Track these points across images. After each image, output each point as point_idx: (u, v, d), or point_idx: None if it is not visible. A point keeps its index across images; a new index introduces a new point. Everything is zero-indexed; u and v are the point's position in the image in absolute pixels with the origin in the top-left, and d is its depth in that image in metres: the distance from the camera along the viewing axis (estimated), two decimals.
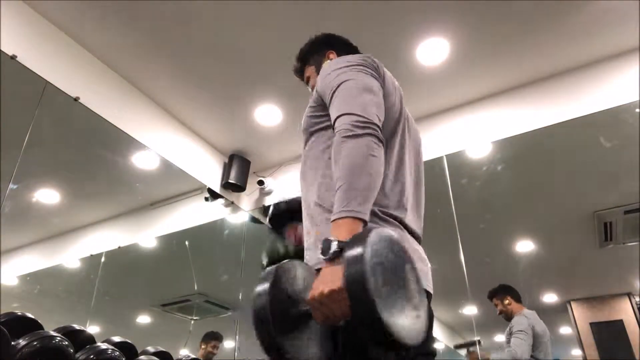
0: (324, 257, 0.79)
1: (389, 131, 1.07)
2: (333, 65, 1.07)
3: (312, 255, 0.98)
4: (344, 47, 1.38)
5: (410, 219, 1.07)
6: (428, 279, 1.03)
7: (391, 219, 1.00)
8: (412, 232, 1.06)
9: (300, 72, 1.43)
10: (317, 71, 1.35)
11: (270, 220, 1.30)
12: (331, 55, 1.34)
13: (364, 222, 0.84)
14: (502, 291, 2.95)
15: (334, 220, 0.83)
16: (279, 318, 0.77)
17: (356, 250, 0.72)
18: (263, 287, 0.78)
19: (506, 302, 2.91)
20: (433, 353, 1.02)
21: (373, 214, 0.96)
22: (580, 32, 2.73)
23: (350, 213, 0.82)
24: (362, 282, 0.68)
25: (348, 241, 0.76)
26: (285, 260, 0.85)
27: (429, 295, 1.01)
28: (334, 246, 0.78)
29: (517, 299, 2.92)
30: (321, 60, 1.35)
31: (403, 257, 0.81)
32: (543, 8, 2.57)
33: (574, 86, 2.94)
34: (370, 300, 0.67)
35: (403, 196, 1.06)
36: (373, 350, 0.80)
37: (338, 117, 0.94)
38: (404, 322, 0.72)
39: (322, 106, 1.07)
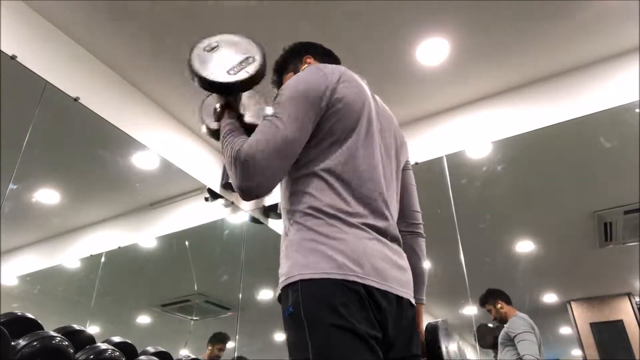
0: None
1: (347, 132, 1.08)
2: (286, 87, 1.10)
3: (281, 269, 1.01)
4: (321, 53, 1.38)
5: (382, 214, 1.07)
6: (400, 282, 1.02)
7: (356, 222, 1.01)
8: (382, 232, 1.05)
9: (278, 83, 1.42)
10: None
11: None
12: (309, 60, 1.34)
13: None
14: (492, 296, 2.92)
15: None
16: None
17: None
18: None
19: (499, 306, 2.88)
20: (417, 355, 1.04)
21: (336, 218, 0.99)
22: (580, 32, 2.73)
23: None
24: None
25: None
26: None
27: (401, 299, 1.00)
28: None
29: (508, 301, 2.89)
30: (299, 66, 1.35)
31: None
32: (543, 8, 2.57)
33: (574, 86, 2.94)
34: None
35: (373, 196, 1.06)
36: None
37: (253, 140, 0.99)
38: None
39: None
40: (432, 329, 1.14)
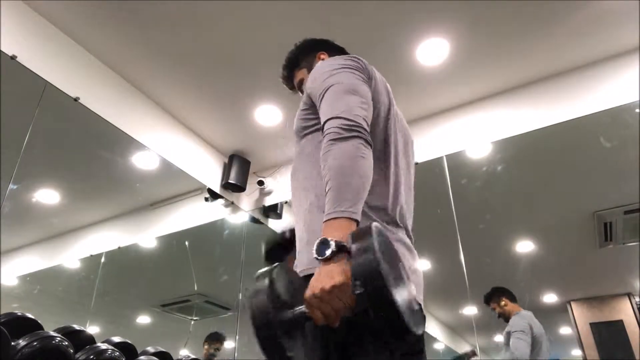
0: (320, 257, 0.79)
1: (381, 129, 1.07)
2: (321, 68, 1.08)
3: (303, 258, 0.97)
4: (333, 48, 1.37)
5: (404, 213, 1.06)
6: (419, 290, 1.01)
7: (391, 226, 0.99)
8: (403, 231, 1.05)
9: (288, 78, 1.41)
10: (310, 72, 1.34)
11: (266, 254, 1.25)
12: (322, 56, 1.33)
13: (357, 222, 0.84)
14: (497, 293, 2.95)
15: (326, 220, 0.84)
16: (279, 318, 0.77)
17: (365, 242, 0.74)
18: (261, 286, 0.79)
19: (502, 303, 2.90)
20: (422, 351, 1.04)
21: (362, 212, 0.96)
22: (580, 32, 2.73)
23: (343, 214, 0.82)
24: (377, 269, 0.70)
25: (353, 234, 0.77)
26: (276, 264, 0.86)
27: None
28: (332, 246, 0.78)
29: (513, 299, 2.92)
30: (312, 62, 1.33)
31: (396, 252, 0.83)
32: (543, 8, 2.57)
33: (574, 86, 2.94)
34: (386, 285, 0.70)
35: (399, 198, 1.05)
36: (382, 342, 0.81)
37: (326, 121, 0.95)
38: (407, 310, 0.74)
39: (313, 108, 1.07)
40: None
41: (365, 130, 0.91)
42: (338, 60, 1.08)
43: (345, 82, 1.00)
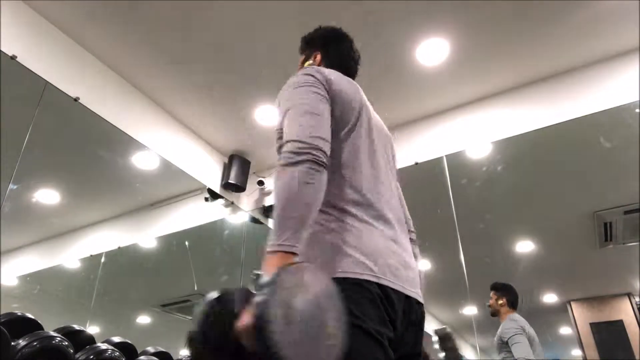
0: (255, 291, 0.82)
1: (350, 126, 1.09)
2: (284, 90, 1.11)
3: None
4: (335, 51, 1.36)
5: (390, 208, 1.08)
6: (410, 281, 1.02)
7: (366, 218, 1.01)
8: (391, 228, 1.06)
9: (301, 49, 1.44)
10: (302, 65, 1.37)
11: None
12: (317, 57, 1.35)
13: (295, 254, 0.87)
14: (503, 290, 2.93)
15: (268, 252, 0.88)
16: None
17: (262, 294, 0.76)
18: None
19: (500, 302, 2.88)
20: (420, 354, 1.04)
21: (347, 213, 0.99)
22: (580, 32, 2.73)
23: (281, 247, 0.87)
24: (262, 324, 0.73)
25: (263, 283, 0.79)
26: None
27: (409, 298, 1.00)
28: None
29: (512, 303, 2.88)
30: (310, 56, 1.36)
31: (319, 298, 0.83)
32: (543, 8, 2.57)
33: (574, 86, 2.94)
34: (268, 338, 0.71)
35: (380, 191, 1.07)
36: None
37: (283, 144, 0.98)
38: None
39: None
40: (447, 336, 1.16)
41: (318, 149, 0.94)
42: (295, 80, 1.10)
43: (301, 103, 1.04)
